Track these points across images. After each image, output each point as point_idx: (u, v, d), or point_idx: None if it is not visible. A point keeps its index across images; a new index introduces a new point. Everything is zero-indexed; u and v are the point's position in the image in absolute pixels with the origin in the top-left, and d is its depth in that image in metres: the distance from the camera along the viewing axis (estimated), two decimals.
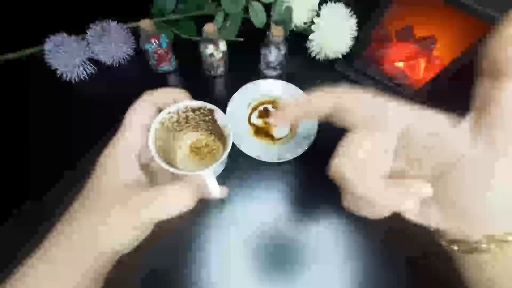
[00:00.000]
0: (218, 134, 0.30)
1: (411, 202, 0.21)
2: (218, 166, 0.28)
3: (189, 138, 0.31)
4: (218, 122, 0.28)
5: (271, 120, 0.35)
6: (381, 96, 0.22)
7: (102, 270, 0.22)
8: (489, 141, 0.18)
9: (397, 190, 0.21)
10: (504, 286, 0.19)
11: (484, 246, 0.19)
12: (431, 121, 0.20)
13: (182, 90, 0.27)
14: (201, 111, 0.28)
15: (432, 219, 0.21)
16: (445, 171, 0.19)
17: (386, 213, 0.21)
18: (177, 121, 0.28)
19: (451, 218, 0.20)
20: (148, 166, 0.26)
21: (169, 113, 0.26)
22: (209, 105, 0.27)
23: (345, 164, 0.21)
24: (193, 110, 0.28)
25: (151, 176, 0.25)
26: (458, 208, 0.19)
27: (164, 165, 0.24)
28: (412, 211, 0.22)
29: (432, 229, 0.22)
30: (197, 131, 0.31)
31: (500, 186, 0.18)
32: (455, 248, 0.21)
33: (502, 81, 0.17)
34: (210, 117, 0.29)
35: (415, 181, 0.20)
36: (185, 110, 0.27)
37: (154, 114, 0.26)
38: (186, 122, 0.29)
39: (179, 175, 0.24)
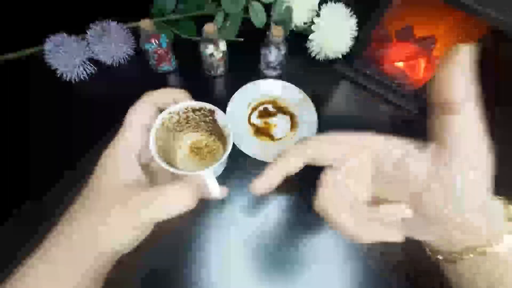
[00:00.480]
0: (218, 134, 0.30)
1: (393, 234, 0.22)
2: (218, 167, 0.28)
3: (189, 138, 0.31)
4: (218, 123, 0.28)
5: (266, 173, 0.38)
6: (350, 133, 0.24)
7: (102, 270, 0.22)
8: (447, 166, 0.20)
9: (379, 221, 0.22)
10: None
11: (464, 256, 0.21)
12: (395, 151, 0.22)
13: (182, 90, 0.27)
14: (202, 111, 0.28)
15: (416, 233, 0.23)
16: (417, 193, 0.21)
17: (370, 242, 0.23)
18: (178, 121, 0.28)
19: (432, 232, 0.22)
20: (148, 166, 0.26)
21: (170, 113, 0.26)
22: (210, 106, 0.27)
23: (326, 202, 0.22)
24: (194, 111, 0.28)
25: (151, 176, 0.25)
26: (436, 223, 0.21)
27: (164, 165, 0.24)
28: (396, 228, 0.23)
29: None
30: (197, 131, 0.31)
31: (467, 202, 0.20)
32: (440, 257, 0.22)
33: (453, 109, 0.19)
34: (210, 117, 0.29)
35: (393, 206, 0.22)
36: (185, 110, 0.28)
37: (154, 114, 0.26)
38: (187, 123, 0.29)
39: (179, 175, 0.24)
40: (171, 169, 0.24)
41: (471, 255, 0.21)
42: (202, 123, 0.30)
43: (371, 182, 0.23)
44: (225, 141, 0.28)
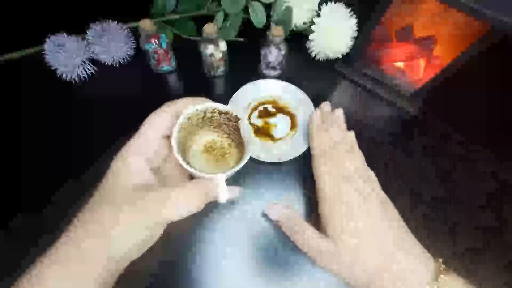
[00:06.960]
0: (236, 140, 0.30)
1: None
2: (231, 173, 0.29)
3: (206, 136, 0.31)
4: (241, 131, 0.29)
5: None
6: None
7: (110, 279, 0.22)
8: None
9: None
10: None
11: None
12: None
13: (205, 99, 0.27)
14: (228, 115, 0.28)
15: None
16: None
17: None
18: (202, 118, 0.28)
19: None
20: (159, 170, 0.26)
21: (197, 110, 0.27)
22: (237, 112, 0.28)
23: None
24: (220, 113, 0.28)
25: (162, 181, 0.25)
26: None
27: (182, 162, 0.24)
28: None
29: None
30: (216, 131, 0.31)
31: None
32: None
33: None
34: (234, 123, 0.29)
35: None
36: (212, 110, 0.28)
37: (172, 124, 0.25)
38: (210, 122, 0.30)
39: (191, 173, 0.24)
40: (189, 169, 0.24)
41: None
42: (224, 125, 0.30)
43: None
44: (241, 149, 0.28)
